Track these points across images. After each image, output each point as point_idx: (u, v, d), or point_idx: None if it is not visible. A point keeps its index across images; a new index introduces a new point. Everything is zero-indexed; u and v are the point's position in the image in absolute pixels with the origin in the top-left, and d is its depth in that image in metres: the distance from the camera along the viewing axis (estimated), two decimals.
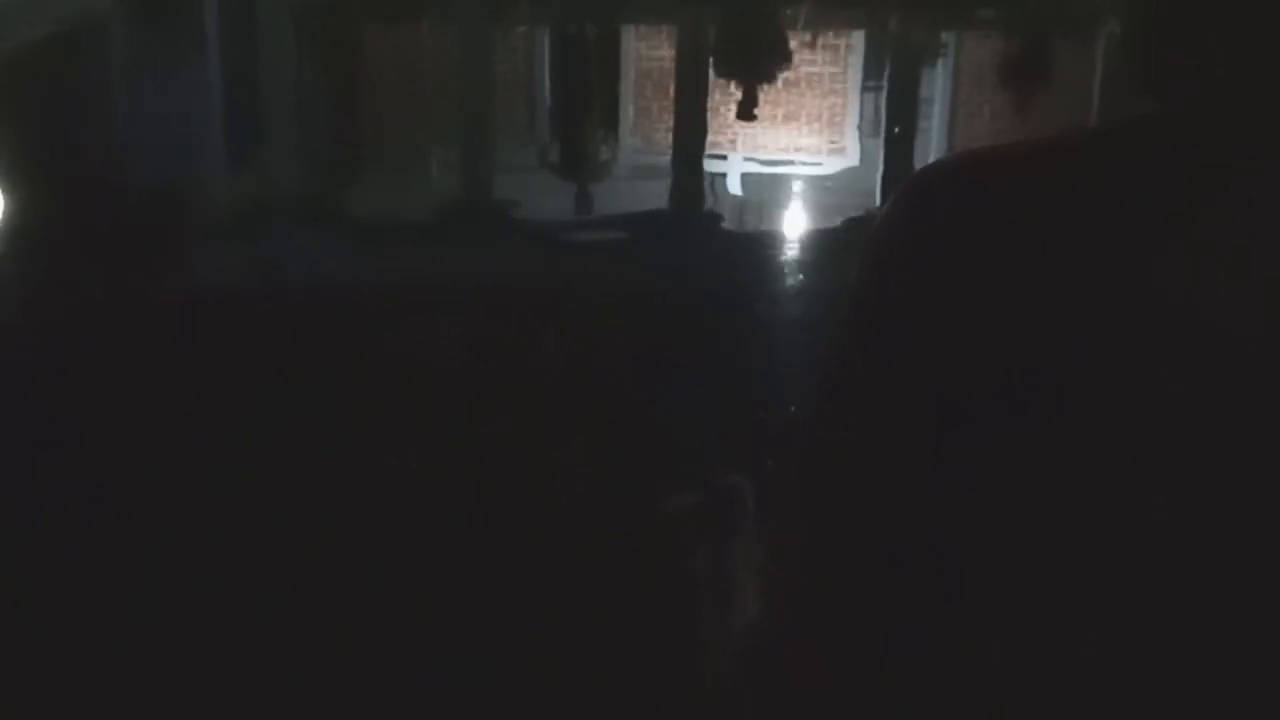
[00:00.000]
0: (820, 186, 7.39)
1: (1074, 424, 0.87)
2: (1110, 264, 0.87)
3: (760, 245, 6.26)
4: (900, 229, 0.95)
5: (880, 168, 8.02)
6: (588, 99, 9.77)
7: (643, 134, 8.74)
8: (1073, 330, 0.87)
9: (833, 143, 8.42)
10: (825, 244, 6.08)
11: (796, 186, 7.34)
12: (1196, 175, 0.87)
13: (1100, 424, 0.87)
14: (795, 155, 7.95)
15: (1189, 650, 0.89)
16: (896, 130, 8.69)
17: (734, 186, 7.35)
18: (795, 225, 6.63)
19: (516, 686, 2.86)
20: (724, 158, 7.91)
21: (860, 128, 8.72)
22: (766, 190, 7.21)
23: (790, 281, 5.72)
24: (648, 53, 10.84)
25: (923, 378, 0.92)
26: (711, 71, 10.24)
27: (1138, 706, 0.89)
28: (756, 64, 10.02)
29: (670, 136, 8.67)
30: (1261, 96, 0.88)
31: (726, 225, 6.67)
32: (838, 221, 6.54)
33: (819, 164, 7.85)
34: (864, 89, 9.66)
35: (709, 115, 8.87)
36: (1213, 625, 0.89)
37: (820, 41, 11.02)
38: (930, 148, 8.49)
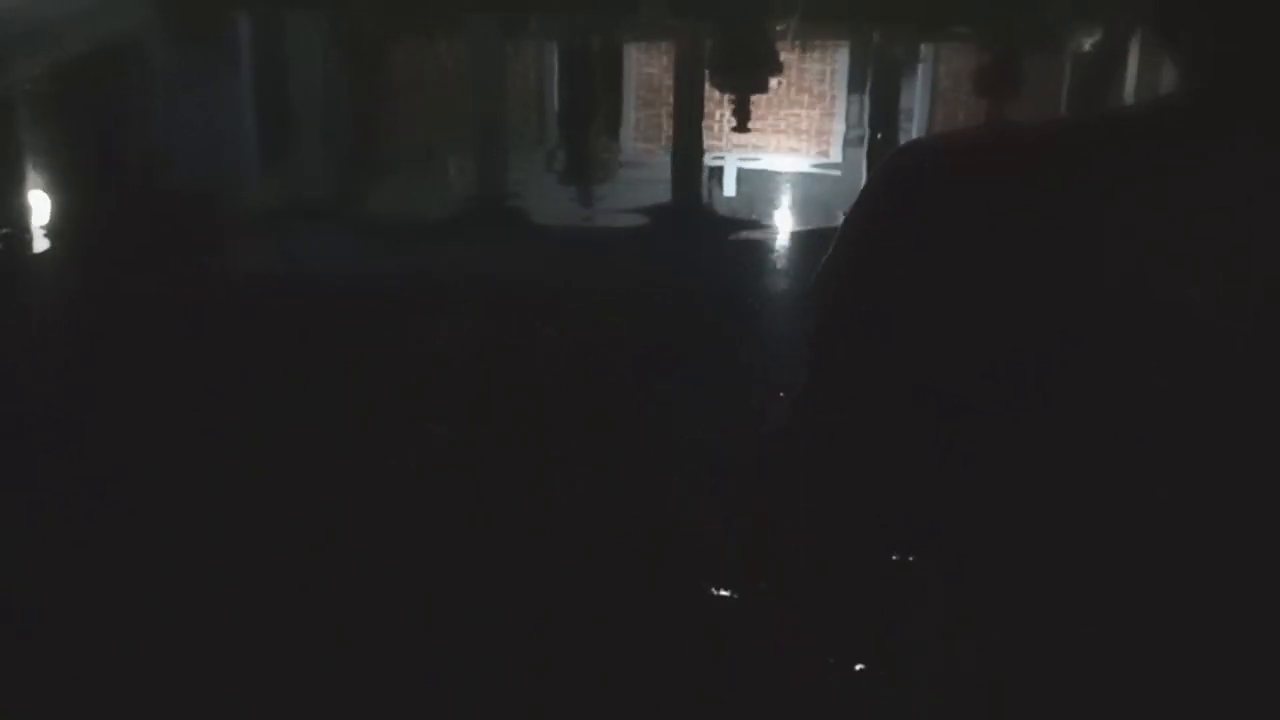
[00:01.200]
0: (808, 187, 7.38)
1: (1043, 384, 0.87)
2: (1074, 240, 0.86)
3: (752, 241, 6.26)
4: (880, 201, 0.95)
5: (864, 170, 8.01)
6: (592, 107, 9.77)
7: (643, 139, 8.74)
8: (1039, 300, 0.86)
9: (820, 147, 8.42)
10: (813, 240, 6.08)
11: (786, 187, 7.33)
12: (1166, 164, 0.87)
13: (1067, 385, 0.87)
14: (785, 158, 7.94)
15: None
16: (879, 136, 8.68)
17: (728, 187, 7.35)
18: (785, 223, 6.63)
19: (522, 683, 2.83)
20: (719, 161, 7.90)
21: (845, 133, 8.71)
22: (758, 190, 7.21)
23: (780, 274, 5.73)
24: (648, 64, 10.83)
25: (897, 334, 0.92)
26: (707, 81, 10.26)
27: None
28: (749, 74, 10.03)
29: (669, 141, 8.67)
30: (1226, 98, 0.87)
31: (721, 222, 6.67)
32: (824, 219, 6.54)
33: (807, 166, 7.84)
34: (849, 98, 9.64)
35: (705, 122, 8.87)
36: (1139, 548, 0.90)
37: (808, 54, 11.02)
38: None
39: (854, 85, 10.10)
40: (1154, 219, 0.87)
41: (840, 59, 11.02)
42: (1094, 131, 0.94)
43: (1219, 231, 0.85)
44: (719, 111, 9.04)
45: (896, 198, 0.95)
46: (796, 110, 9.03)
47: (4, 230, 5.96)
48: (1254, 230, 0.84)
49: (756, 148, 8.13)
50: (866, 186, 0.98)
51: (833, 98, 9.58)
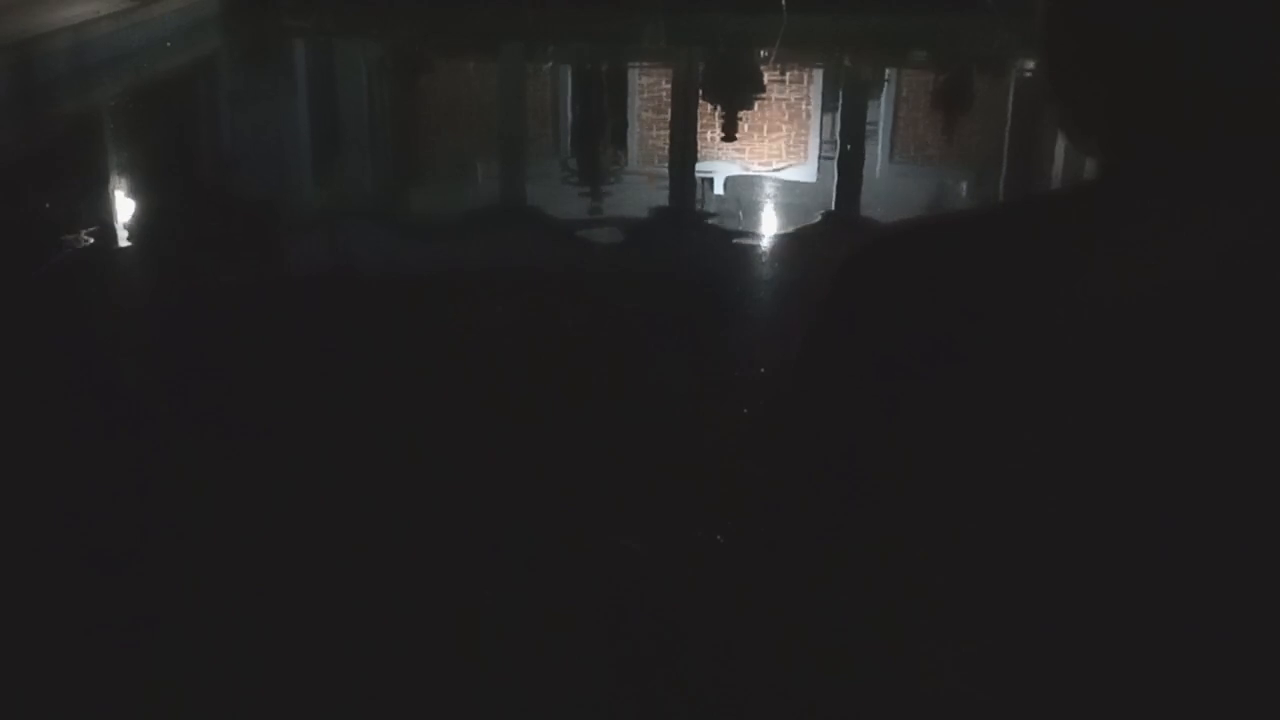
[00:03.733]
0: (787, 191, 7.35)
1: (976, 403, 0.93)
2: (984, 304, 0.93)
3: (739, 237, 6.25)
4: (844, 295, 1.02)
5: (835, 177, 8.00)
6: (601, 122, 9.76)
7: (645, 150, 8.71)
8: (967, 346, 0.94)
9: (797, 157, 8.38)
10: (790, 236, 6.08)
11: (768, 191, 7.31)
12: (1047, 243, 0.94)
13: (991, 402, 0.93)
14: (767, 166, 7.91)
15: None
16: (848, 147, 8.65)
17: (718, 191, 7.33)
18: (767, 222, 6.61)
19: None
20: (710, 168, 7.88)
21: (819, 145, 8.68)
22: (744, 194, 7.19)
23: (762, 265, 5.72)
24: (649, 85, 10.81)
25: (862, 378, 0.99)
26: (700, 100, 10.25)
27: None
28: (736, 94, 10.02)
29: (667, 151, 8.65)
30: (1102, 185, 0.96)
31: (712, 222, 6.65)
32: (800, 219, 6.54)
33: (786, 173, 7.81)
34: (822, 114, 9.62)
35: (698, 134, 8.86)
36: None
37: (787, 75, 11.01)
38: (875, 161, 8.47)
39: (827, 104, 10.08)
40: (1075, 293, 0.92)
41: (815, 81, 11.00)
42: (1018, 217, 1.02)
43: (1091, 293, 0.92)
44: (711, 126, 9.02)
45: (859, 291, 1.02)
46: (777, 125, 9.00)
47: (92, 228, 5.95)
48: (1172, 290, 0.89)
49: (742, 157, 8.11)
50: (832, 285, 1.05)
51: (808, 114, 9.55)
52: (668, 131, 9.15)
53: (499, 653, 2.55)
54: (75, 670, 2.52)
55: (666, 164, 8.31)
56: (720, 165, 7.91)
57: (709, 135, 8.76)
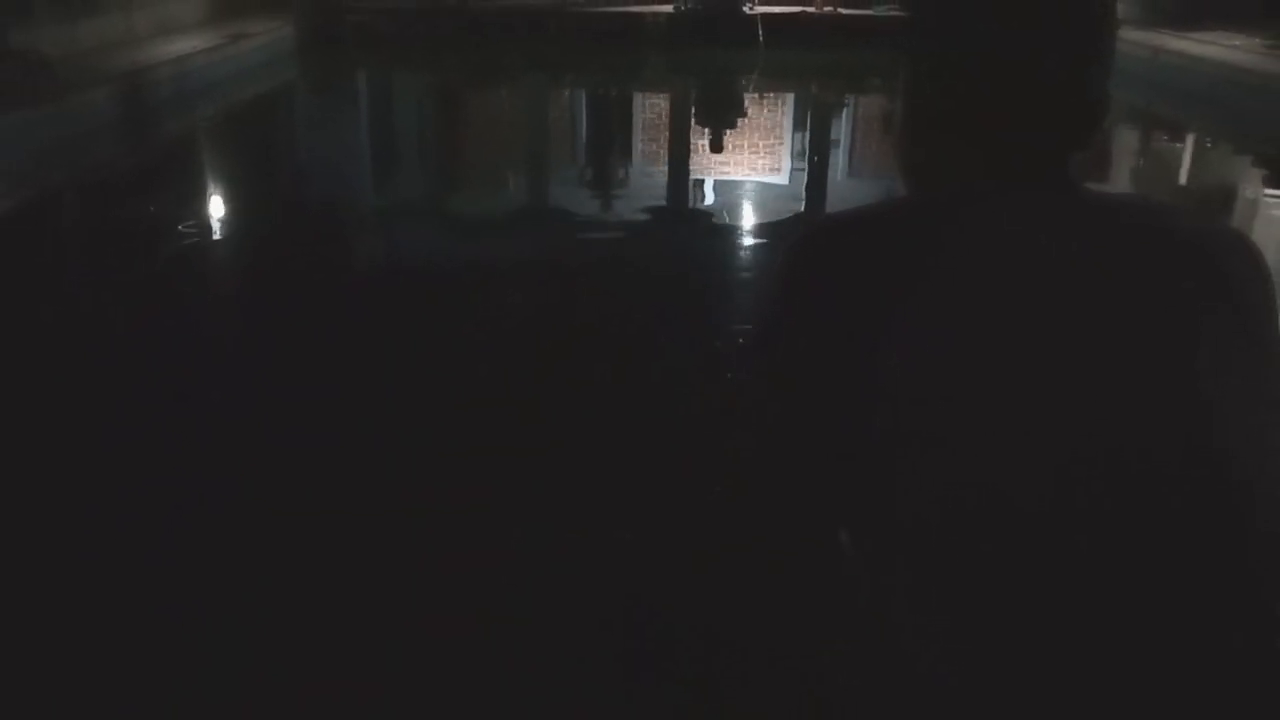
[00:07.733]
0: (764, 195, 7.32)
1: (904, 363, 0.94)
2: (902, 282, 0.94)
3: (726, 233, 6.23)
4: (791, 271, 1.02)
5: (804, 184, 7.98)
6: (610, 137, 9.72)
7: (647, 160, 8.67)
8: (893, 318, 0.93)
9: (772, 167, 8.34)
10: (767, 232, 6.06)
11: (749, 195, 7.28)
12: (940, 233, 0.97)
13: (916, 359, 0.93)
14: (748, 175, 7.87)
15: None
16: (815, 159, 8.62)
17: (708, 195, 7.30)
18: (748, 220, 6.59)
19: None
20: (701, 176, 7.86)
21: (791, 157, 8.64)
22: (729, 197, 7.16)
23: (744, 255, 5.71)
24: (651, 107, 10.76)
25: (813, 344, 0.99)
26: (693, 120, 10.21)
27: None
28: (722, 114, 9.98)
29: (665, 162, 8.62)
30: (970, 188, 1.00)
31: (703, 220, 6.63)
32: (775, 218, 6.52)
33: (763, 180, 7.78)
34: (794, 131, 9.58)
35: (691, 148, 8.82)
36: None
37: (765, 99, 10.96)
38: (837, 170, 8.44)
39: (798, 122, 10.03)
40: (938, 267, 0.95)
41: (788, 104, 10.95)
42: (900, 212, 1.03)
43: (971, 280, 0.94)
44: (701, 141, 8.99)
45: (803, 269, 1.01)
46: (756, 140, 8.96)
47: (191, 225, 5.94)
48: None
49: (728, 167, 8.08)
50: (780, 263, 1.03)
51: (782, 131, 9.50)
52: (666, 146, 9.11)
53: (499, 648, 2.24)
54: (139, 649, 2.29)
55: (665, 173, 8.27)
56: (709, 175, 7.89)
57: (700, 148, 8.73)
